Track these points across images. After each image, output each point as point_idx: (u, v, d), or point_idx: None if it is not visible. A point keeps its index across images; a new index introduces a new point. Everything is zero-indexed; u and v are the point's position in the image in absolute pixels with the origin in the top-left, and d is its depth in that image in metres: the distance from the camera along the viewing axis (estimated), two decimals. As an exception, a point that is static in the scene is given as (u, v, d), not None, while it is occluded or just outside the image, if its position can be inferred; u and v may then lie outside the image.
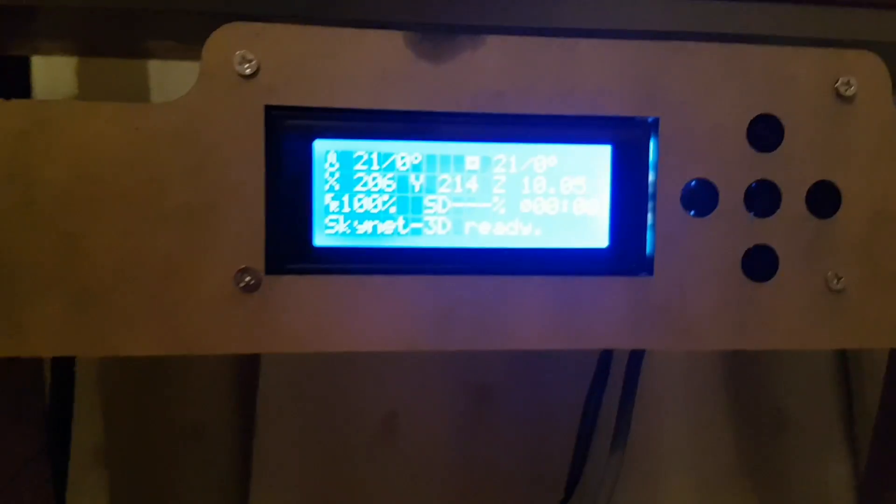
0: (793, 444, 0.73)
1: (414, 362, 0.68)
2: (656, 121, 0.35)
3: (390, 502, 0.70)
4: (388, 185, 0.34)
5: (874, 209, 0.36)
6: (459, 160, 0.35)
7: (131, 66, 0.63)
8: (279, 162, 0.33)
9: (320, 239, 0.34)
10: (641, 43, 0.34)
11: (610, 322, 0.35)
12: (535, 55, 0.34)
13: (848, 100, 0.35)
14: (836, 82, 0.35)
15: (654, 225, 0.35)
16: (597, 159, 0.35)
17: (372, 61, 0.33)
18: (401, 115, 0.34)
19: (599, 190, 0.35)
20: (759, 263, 0.36)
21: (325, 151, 0.34)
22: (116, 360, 0.64)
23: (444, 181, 0.35)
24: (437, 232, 0.35)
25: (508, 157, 0.35)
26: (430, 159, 0.34)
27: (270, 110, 0.33)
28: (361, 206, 0.34)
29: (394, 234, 0.35)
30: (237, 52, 0.32)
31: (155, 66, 0.63)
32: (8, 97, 0.31)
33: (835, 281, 0.36)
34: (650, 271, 0.35)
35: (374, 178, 0.34)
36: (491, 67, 0.34)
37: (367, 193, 0.34)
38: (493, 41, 0.34)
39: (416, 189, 0.34)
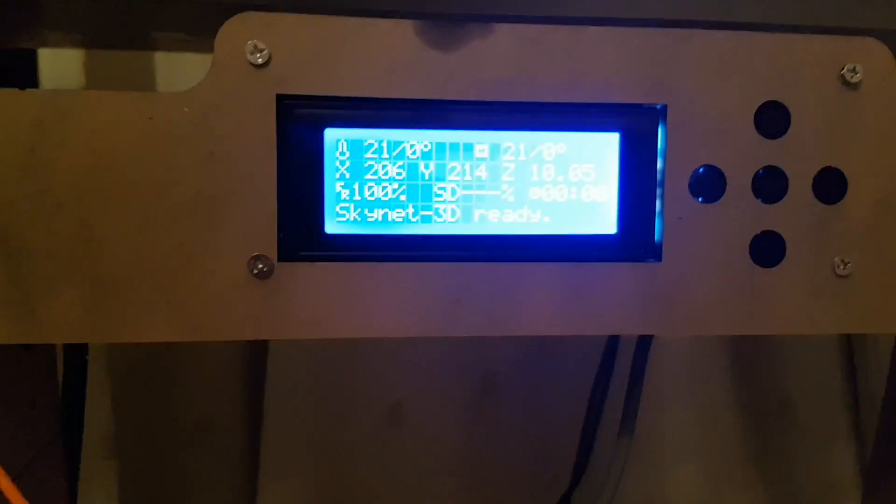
0: (798, 431, 0.73)
1: (419, 352, 0.68)
2: (664, 108, 0.35)
3: (396, 491, 0.70)
4: (399, 173, 0.35)
5: (880, 195, 0.36)
6: (469, 148, 0.35)
7: (138, 58, 0.63)
8: (291, 150, 0.34)
9: (331, 226, 0.35)
10: (649, 31, 0.35)
11: (618, 308, 0.36)
12: (543, 43, 0.34)
13: (854, 87, 0.36)
14: (843, 69, 0.36)
15: (662, 211, 0.36)
16: (605, 146, 0.36)
17: (382, 50, 0.33)
18: (411, 103, 0.34)
19: (608, 177, 0.36)
20: (767, 249, 0.36)
21: (336, 140, 0.34)
22: (126, 353, 0.64)
23: (453, 169, 0.35)
24: (446, 219, 0.35)
25: (517, 144, 0.35)
26: (440, 147, 0.35)
27: (282, 99, 0.33)
28: (372, 194, 0.35)
29: (404, 221, 0.35)
30: (249, 42, 0.32)
31: (161, 58, 0.63)
32: (21, 88, 0.32)
33: (841, 266, 0.36)
34: (658, 257, 0.36)
35: (384, 167, 0.35)
36: (500, 55, 0.34)
37: (378, 181, 0.35)
38: (502, 29, 0.34)
39: (426, 177, 0.35)
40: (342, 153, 0.34)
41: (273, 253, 0.33)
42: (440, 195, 0.35)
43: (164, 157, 0.32)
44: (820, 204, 0.36)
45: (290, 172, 0.34)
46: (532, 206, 0.35)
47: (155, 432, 0.67)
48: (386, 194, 0.35)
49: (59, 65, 0.61)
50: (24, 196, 0.32)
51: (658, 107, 0.35)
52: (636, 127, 0.36)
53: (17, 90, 0.32)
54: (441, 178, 0.35)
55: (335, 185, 0.34)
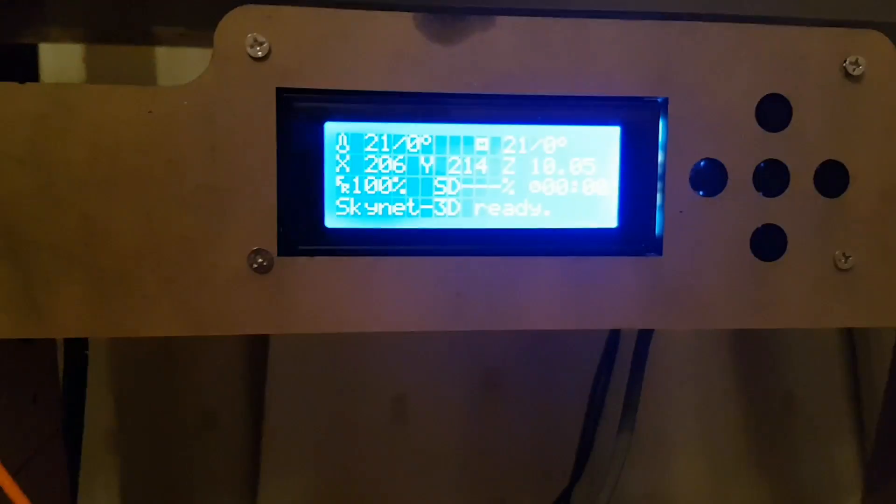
0: (800, 426, 0.73)
1: (422, 346, 0.69)
2: (665, 101, 0.35)
3: (399, 485, 0.70)
4: (399, 167, 0.35)
5: (882, 188, 0.36)
6: (469, 141, 0.35)
7: (139, 53, 0.63)
8: (291, 144, 0.34)
9: (331, 220, 0.34)
10: (651, 23, 0.35)
11: (619, 301, 0.36)
12: (544, 36, 0.34)
13: (856, 79, 0.36)
14: (845, 62, 0.35)
15: (663, 205, 0.35)
16: (606, 140, 0.35)
17: (382, 43, 0.33)
18: (411, 96, 0.34)
19: (609, 170, 0.36)
20: (768, 243, 0.36)
21: (336, 133, 0.34)
22: (129, 347, 0.65)
23: (453, 163, 0.35)
24: (447, 213, 0.35)
25: (518, 138, 0.35)
26: (440, 141, 0.35)
27: (282, 93, 0.33)
28: (372, 188, 0.35)
29: (404, 215, 0.35)
30: (249, 35, 0.32)
31: (162, 53, 0.63)
32: (21, 82, 0.32)
33: (842, 260, 0.36)
34: (659, 251, 0.36)
35: (384, 160, 0.34)
36: (501, 48, 0.34)
37: (378, 175, 0.34)
38: (504, 22, 0.34)
39: (427, 171, 0.35)
40: (342, 147, 0.34)
41: (273, 247, 0.33)
42: (440, 189, 0.35)
43: (165, 151, 0.32)
44: (821, 197, 0.36)
45: (290, 166, 0.34)
46: (533, 200, 0.35)
47: (158, 427, 0.67)
48: (386, 188, 0.35)
49: (60, 60, 0.61)
50: (25, 190, 0.32)
51: (659, 100, 0.35)
52: (637, 120, 0.35)
53: (16, 84, 0.32)
54: (441, 172, 0.35)
55: (335, 179, 0.34)
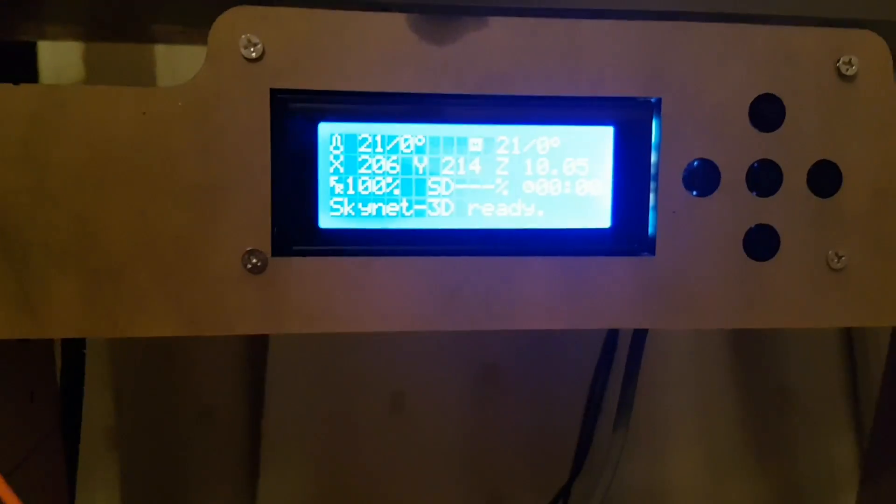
0: (797, 421, 0.74)
1: (420, 342, 0.69)
2: (659, 101, 0.35)
3: (398, 481, 0.70)
4: (392, 168, 0.35)
5: (875, 188, 0.36)
6: (462, 142, 0.35)
7: (138, 50, 0.63)
8: (285, 144, 0.34)
9: (325, 221, 0.35)
10: (643, 23, 0.35)
11: (613, 301, 0.36)
12: (537, 36, 0.34)
13: (849, 79, 0.36)
14: (838, 62, 0.35)
15: (656, 205, 0.36)
16: (599, 140, 0.36)
17: (376, 44, 0.33)
18: (404, 97, 0.34)
19: (602, 171, 0.36)
20: (761, 243, 0.36)
21: (330, 134, 0.34)
22: (127, 344, 0.65)
23: (447, 163, 0.35)
24: (440, 213, 0.35)
25: (511, 138, 0.35)
26: (434, 141, 0.35)
27: (276, 93, 0.33)
28: (366, 188, 0.35)
29: (398, 215, 0.35)
30: (243, 36, 0.32)
31: (161, 51, 0.63)
32: (16, 83, 0.32)
33: (835, 260, 0.36)
34: (652, 251, 0.36)
35: (378, 161, 0.35)
36: (494, 49, 0.34)
37: (372, 175, 0.35)
38: (497, 23, 0.34)
39: (420, 171, 0.35)
40: (336, 147, 0.34)
41: (267, 247, 0.33)
42: (434, 189, 0.35)
43: (159, 152, 0.32)
44: (814, 197, 0.36)
45: (284, 167, 0.34)
46: (526, 200, 0.35)
47: (156, 423, 0.67)
48: (380, 188, 0.35)
49: (59, 57, 0.61)
50: (20, 191, 0.32)
51: (652, 100, 0.35)
52: (630, 120, 0.36)
53: (11, 85, 0.32)
54: (435, 173, 0.35)
55: (329, 180, 0.34)
